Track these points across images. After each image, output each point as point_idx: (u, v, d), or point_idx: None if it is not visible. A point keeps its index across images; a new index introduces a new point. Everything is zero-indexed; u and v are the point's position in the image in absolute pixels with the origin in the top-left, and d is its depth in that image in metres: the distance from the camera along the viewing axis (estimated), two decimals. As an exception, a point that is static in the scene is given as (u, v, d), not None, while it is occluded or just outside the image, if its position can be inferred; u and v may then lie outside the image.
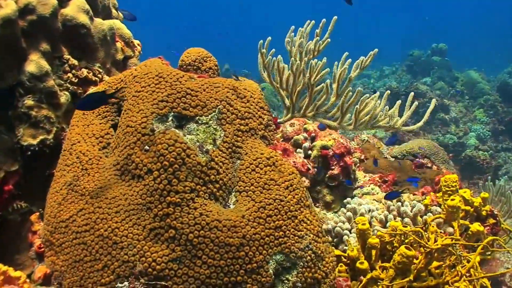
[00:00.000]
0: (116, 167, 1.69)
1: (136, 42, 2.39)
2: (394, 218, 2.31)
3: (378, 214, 2.37)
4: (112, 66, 2.18)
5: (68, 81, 1.94)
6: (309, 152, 3.07)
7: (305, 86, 1.87)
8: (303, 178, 2.92)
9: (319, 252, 1.70)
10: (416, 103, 1.83)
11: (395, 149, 3.97)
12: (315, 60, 1.83)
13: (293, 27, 2.00)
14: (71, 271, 1.59)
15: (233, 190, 1.70)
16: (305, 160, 2.29)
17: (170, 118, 1.69)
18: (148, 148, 1.62)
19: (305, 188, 1.79)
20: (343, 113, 1.82)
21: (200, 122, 1.72)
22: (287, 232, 1.64)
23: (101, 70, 2.08)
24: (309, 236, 1.68)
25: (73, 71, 1.95)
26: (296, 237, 1.65)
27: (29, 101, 1.81)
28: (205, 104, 1.74)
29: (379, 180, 3.23)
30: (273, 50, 1.88)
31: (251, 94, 1.85)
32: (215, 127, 1.73)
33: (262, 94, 1.88)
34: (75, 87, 1.96)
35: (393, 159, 3.79)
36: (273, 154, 1.76)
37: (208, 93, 1.76)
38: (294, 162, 2.25)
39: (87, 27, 2.00)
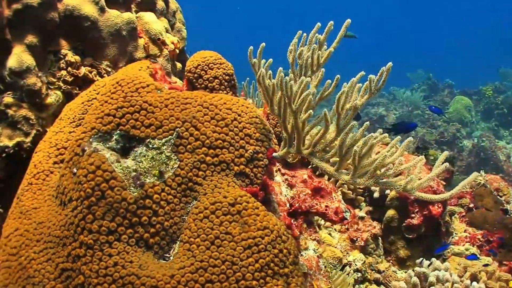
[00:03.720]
0: (55, 187, 1.43)
1: (170, 39, 2.06)
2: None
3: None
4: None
5: (62, 79, 1.73)
6: (387, 191, 2.48)
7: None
8: (374, 223, 2.36)
9: None
10: (446, 165, 1.19)
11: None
12: (287, 74, 1.30)
13: (300, 32, 1.47)
14: (1, 296, 1.41)
15: (179, 239, 1.32)
16: (343, 206, 1.76)
17: (115, 137, 1.35)
18: (75, 171, 1.32)
19: (285, 250, 1.30)
20: (342, 155, 1.27)
21: (150, 146, 1.35)
22: (233, 308, 1.22)
23: (109, 69, 1.82)
24: (271, 318, 1.23)
25: (69, 69, 1.74)
26: (247, 318, 1.21)
27: (8, 99, 1.65)
28: (161, 124, 1.35)
29: (481, 239, 2.48)
30: (270, 60, 1.40)
31: (235, 117, 1.40)
32: (168, 154, 1.34)
33: (257, 117, 1.42)
34: (69, 87, 1.74)
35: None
36: (242, 200, 1.31)
37: (170, 110, 1.37)
38: (326, 206, 1.74)
39: (92, 20, 1.76)
